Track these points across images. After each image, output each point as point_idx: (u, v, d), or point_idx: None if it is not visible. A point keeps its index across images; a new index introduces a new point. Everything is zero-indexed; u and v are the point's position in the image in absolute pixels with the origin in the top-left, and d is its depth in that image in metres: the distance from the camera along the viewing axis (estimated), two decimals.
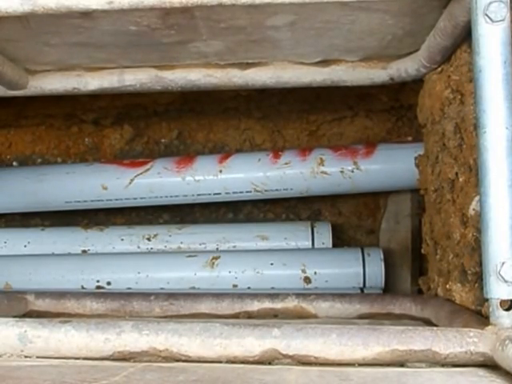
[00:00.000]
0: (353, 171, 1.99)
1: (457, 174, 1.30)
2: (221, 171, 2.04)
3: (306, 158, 2.02)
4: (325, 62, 1.59)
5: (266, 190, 2.04)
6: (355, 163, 1.99)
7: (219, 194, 2.06)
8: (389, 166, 1.99)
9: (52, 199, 2.13)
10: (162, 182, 2.07)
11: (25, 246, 2.12)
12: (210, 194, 2.06)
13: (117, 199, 2.11)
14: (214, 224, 2.25)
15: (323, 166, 2.00)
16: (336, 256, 1.99)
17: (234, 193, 2.06)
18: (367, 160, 1.99)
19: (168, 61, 1.60)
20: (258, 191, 2.05)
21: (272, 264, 1.93)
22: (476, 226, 1.15)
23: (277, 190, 2.04)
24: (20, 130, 2.37)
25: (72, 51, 1.52)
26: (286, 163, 2.02)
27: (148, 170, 2.08)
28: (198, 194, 2.07)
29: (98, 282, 1.96)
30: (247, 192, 2.06)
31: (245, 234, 2.11)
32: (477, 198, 1.16)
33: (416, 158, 1.70)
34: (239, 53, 1.55)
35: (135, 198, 2.10)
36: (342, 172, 1.99)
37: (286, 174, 2.02)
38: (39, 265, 2.01)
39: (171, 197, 2.09)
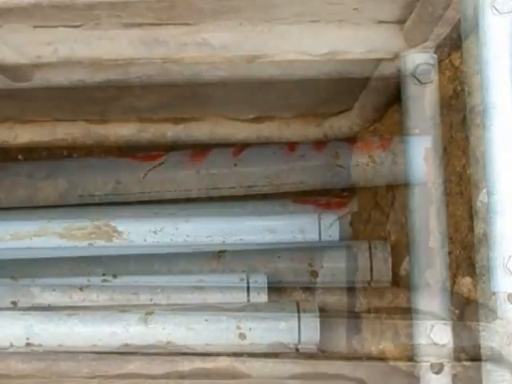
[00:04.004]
0: (368, 164, 1.98)
1: (464, 166, 1.30)
2: (236, 164, 2.02)
3: (322, 151, 2.00)
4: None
5: (281, 184, 2.03)
6: (370, 157, 1.98)
7: (234, 187, 2.05)
8: (403, 159, 1.97)
9: (64, 193, 2.11)
10: (176, 175, 2.06)
11: (30, 239, 2.12)
12: (224, 188, 2.06)
13: (131, 193, 2.09)
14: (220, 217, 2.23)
15: (338, 159, 1.99)
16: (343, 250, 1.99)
17: (248, 186, 2.04)
18: (382, 153, 1.98)
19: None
20: (273, 184, 2.04)
21: None
22: (483, 218, 1.15)
23: (292, 183, 2.03)
24: (25, 122, 2.36)
25: None
26: (301, 156, 2.01)
27: (162, 163, 2.07)
28: (213, 188, 2.06)
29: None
30: (262, 186, 2.04)
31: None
32: (484, 191, 1.15)
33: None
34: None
35: (149, 192, 2.08)
36: (357, 165, 1.99)
37: (301, 167, 2.01)
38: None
39: (185, 191, 2.07)
